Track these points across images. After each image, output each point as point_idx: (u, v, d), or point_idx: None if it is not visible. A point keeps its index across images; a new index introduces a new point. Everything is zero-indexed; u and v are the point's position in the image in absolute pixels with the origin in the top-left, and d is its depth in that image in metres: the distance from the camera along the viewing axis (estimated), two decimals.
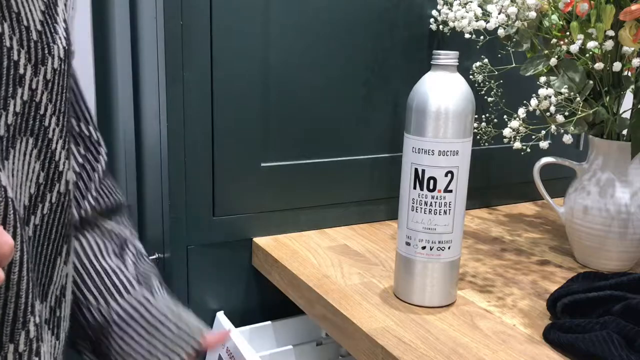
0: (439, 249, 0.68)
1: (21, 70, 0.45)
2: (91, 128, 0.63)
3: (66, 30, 0.50)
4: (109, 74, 1.14)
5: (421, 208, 0.67)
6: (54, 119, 0.49)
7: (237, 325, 0.91)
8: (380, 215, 1.05)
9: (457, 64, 0.67)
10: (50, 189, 0.50)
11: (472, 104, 0.67)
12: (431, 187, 0.66)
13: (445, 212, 0.66)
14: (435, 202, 0.66)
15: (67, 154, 0.51)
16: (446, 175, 0.65)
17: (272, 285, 0.89)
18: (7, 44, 0.44)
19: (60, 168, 0.50)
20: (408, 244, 0.69)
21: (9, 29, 0.44)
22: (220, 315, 0.92)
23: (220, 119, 0.88)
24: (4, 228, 0.43)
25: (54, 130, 0.49)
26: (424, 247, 0.68)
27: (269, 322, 0.94)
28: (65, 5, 0.50)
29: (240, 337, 0.86)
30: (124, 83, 1.05)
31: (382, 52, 0.98)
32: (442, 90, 0.66)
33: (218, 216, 0.91)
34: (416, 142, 0.67)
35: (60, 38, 0.49)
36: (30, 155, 0.47)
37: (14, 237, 0.43)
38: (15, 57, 0.44)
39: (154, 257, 0.95)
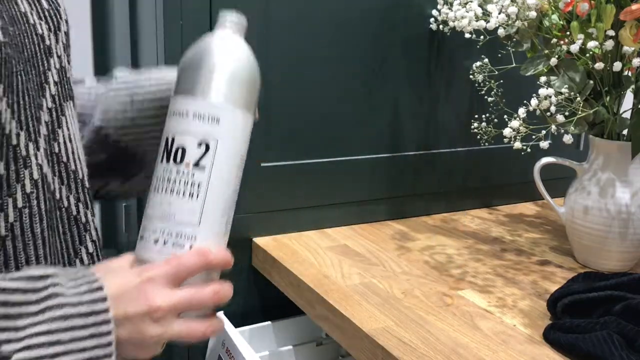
0: (175, 244, 0.48)
1: (48, 42, 0.47)
2: None
3: None
4: (109, 74, 1.13)
5: (162, 187, 0.49)
6: (71, 77, 0.51)
7: (237, 325, 0.91)
8: (380, 215, 1.05)
9: (245, 27, 0.54)
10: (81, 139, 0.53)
11: (252, 73, 0.53)
12: (178, 158, 0.49)
13: (190, 194, 0.48)
14: (180, 180, 0.48)
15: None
16: (199, 145, 0.49)
17: (272, 285, 0.89)
18: (31, 20, 0.45)
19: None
20: (142, 237, 0.49)
21: (29, 5, 0.46)
22: (220, 315, 0.92)
23: None
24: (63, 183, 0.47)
25: (73, 89, 0.51)
26: (156, 241, 0.48)
27: (269, 322, 0.94)
28: None
29: (240, 337, 0.86)
30: None
31: (382, 52, 0.98)
32: (220, 47, 0.51)
33: None
34: (173, 104, 0.51)
35: (60, 1, 0.50)
36: (72, 117, 0.50)
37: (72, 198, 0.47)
38: (40, 31, 0.46)
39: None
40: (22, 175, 0.44)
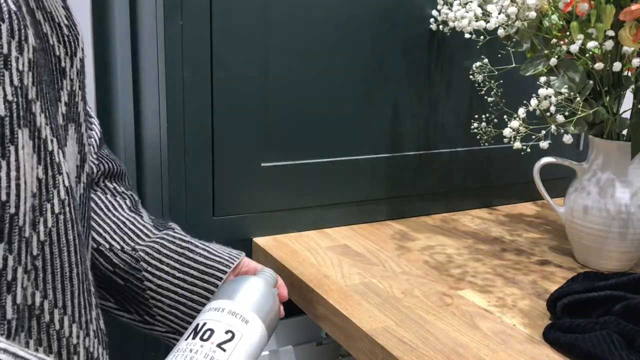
0: None
1: (63, 64, 0.49)
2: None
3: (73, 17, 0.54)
4: (109, 74, 1.14)
5: (182, 356, 0.52)
6: (81, 104, 0.53)
7: None
8: (380, 215, 1.05)
9: (276, 281, 0.67)
10: (83, 169, 0.54)
11: (278, 313, 0.63)
12: (205, 337, 0.54)
13: None
14: (202, 352, 0.52)
15: (87, 135, 0.55)
16: (227, 333, 0.55)
17: None
18: (51, 41, 0.48)
19: (86, 149, 0.54)
20: None
21: (50, 28, 0.48)
22: None
23: (220, 119, 0.88)
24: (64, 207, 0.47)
25: (81, 114, 0.53)
26: None
27: None
28: None
29: None
30: (124, 83, 1.05)
31: (382, 52, 0.98)
32: (260, 283, 0.62)
33: (218, 216, 0.91)
34: (210, 304, 0.59)
35: (79, 28, 0.52)
36: (73, 139, 0.52)
37: (69, 218, 0.46)
38: (57, 52, 0.48)
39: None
40: (57, 182, 0.45)
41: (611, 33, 0.75)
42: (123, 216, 0.66)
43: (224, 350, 0.53)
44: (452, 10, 0.91)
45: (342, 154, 0.99)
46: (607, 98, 0.81)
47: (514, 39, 0.88)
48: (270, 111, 0.91)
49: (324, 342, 0.95)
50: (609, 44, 0.75)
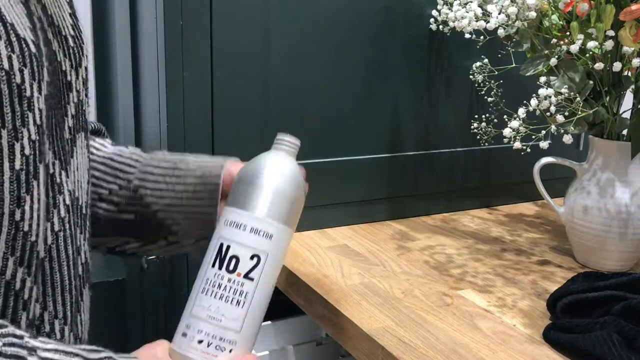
0: (217, 347, 0.52)
1: (69, 77, 0.50)
2: None
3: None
4: (109, 74, 1.14)
5: (212, 291, 0.54)
6: (87, 110, 0.54)
7: None
8: (380, 215, 1.05)
9: (297, 151, 0.63)
10: (89, 171, 0.55)
11: (301, 194, 0.61)
12: (231, 267, 0.54)
13: (238, 302, 0.54)
14: (230, 288, 0.54)
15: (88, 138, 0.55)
16: (252, 258, 0.55)
17: None
18: (59, 58, 0.49)
19: (91, 149, 0.56)
20: (184, 334, 0.53)
21: (58, 44, 0.49)
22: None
23: (220, 119, 0.88)
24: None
25: (88, 121, 0.54)
26: (200, 341, 0.52)
27: (269, 322, 0.94)
28: None
29: None
30: (124, 83, 1.05)
31: (382, 52, 0.98)
32: (277, 169, 0.60)
33: (218, 216, 0.91)
34: (230, 214, 0.57)
35: (84, 36, 0.53)
36: (82, 148, 0.53)
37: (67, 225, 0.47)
38: (64, 67, 0.49)
39: (153, 257, 0.95)
40: (58, 201, 0.47)
41: (611, 33, 0.75)
42: (108, 153, 0.65)
43: (252, 279, 0.54)
44: (452, 10, 0.91)
45: (342, 154, 0.99)
46: (607, 98, 0.81)
47: (514, 39, 0.88)
48: (270, 111, 0.91)
49: (324, 342, 0.95)
50: (609, 44, 0.75)
